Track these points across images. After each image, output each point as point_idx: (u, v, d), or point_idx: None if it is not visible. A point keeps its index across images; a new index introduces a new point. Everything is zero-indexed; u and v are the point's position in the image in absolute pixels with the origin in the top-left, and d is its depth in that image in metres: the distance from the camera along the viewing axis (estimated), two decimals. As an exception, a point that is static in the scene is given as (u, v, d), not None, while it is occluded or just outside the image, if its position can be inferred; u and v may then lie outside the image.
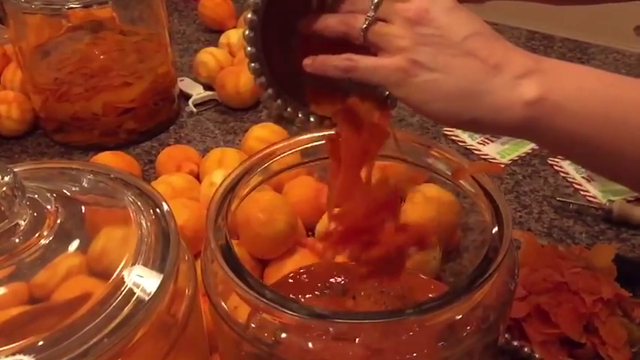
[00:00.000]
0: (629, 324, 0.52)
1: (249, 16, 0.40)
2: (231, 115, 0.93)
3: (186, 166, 0.75)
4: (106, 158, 0.75)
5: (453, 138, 0.85)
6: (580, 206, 0.73)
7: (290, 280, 0.56)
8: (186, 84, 0.97)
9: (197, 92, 0.95)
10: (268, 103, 0.45)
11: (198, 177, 0.75)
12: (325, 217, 0.65)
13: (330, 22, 0.45)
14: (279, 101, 0.45)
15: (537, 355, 0.51)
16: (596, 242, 0.69)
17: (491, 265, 0.38)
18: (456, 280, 0.56)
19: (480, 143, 0.83)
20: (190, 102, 0.94)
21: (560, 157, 0.77)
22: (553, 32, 1.15)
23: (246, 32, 0.41)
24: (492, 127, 0.42)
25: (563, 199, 0.73)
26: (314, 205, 0.66)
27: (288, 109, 0.46)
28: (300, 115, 0.48)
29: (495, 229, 0.40)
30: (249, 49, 0.41)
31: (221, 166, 0.72)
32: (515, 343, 0.52)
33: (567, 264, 0.55)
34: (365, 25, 0.43)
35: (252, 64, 0.43)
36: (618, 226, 0.70)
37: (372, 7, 0.43)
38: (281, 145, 0.49)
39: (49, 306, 0.38)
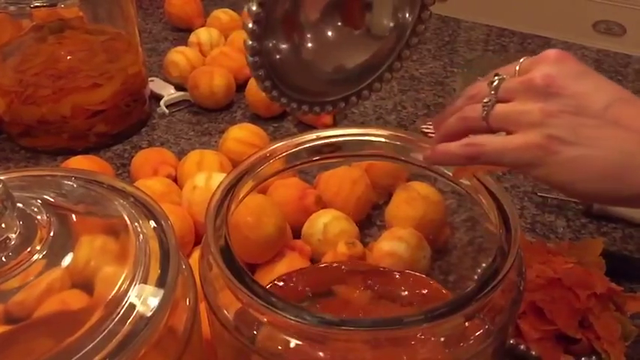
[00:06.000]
0: (622, 318, 0.53)
1: (254, 9, 0.38)
2: (205, 115, 0.90)
3: (163, 169, 0.73)
4: (79, 162, 0.72)
5: (432, 135, 0.85)
6: (560, 201, 0.73)
7: (279, 284, 0.55)
8: (156, 84, 0.95)
9: (168, 93, 0.93)
10: (271, 97, 0.44)
11: (175, 180, 0.73)
12: (311, 219, 0.64)
13: (449, 123, 0.42)
14: (274, 92, 0.44)
15: (534, 353, 0.51)
16: (579, 237, 0.69)
17: (503, 268, 0.37)
18: (457, 282, 0.55)
19: (459, 140, 0.83)
20: (162, 103, 0.91)
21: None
22: (515, 29, 1.16)
23: (250, 26, 0.39)
24: None
25: (544, 195, 0.74)
26: (299, 206, 0.65)
27: (282, 99, 0.45)
28: (292, 104, 0.47)
29: (503, 231, 0.40)
30: (250, 42, 0.40)
31: (201, 169, 0.70)
32: (511, 342, 0.52)
33: (559, 260, 0.56)
34: (485, 112, 0.39)
35: (252, 58, 0.41)
36: (599, 219, 0.71)
37: (491, 90, 0.39)
38: (279, 145, 0.48)
39: (41, 325, 0.35)
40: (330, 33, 0.45)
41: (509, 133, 0.38)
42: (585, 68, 0.38)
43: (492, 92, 0.39)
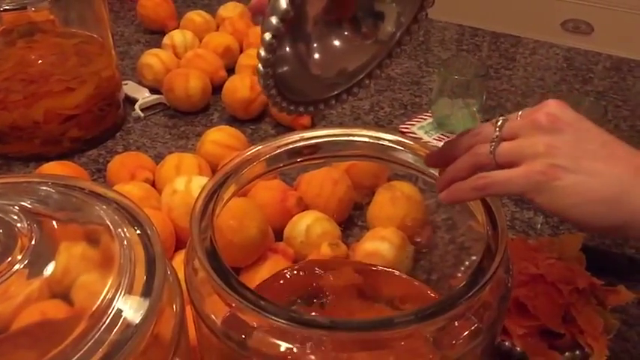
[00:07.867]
0: (603, 312, 0.53)
1: (275, 23, 0.37)
2: (181, 118, 0.89)
3: (140, 173, 0.72)
4: (53, 168, 0.70)
5: (411, 135, 0.85)
6: (538, 198, 0.74)
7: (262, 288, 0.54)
8: (130, 88, 0.93)
9: (143, 96, 0.91)
10: (274, 103, 0.43)
11: (153, 184, 0.72)
12: (293, 221, 0.64)
13: (461, 159, 0.45)
14: (277, 98, 0.44)
15: (519, 349, 0.52)
16: (557, 232, 0.70)
17: (491, 266, 0.37)
18: (439, 280, 0.56)
19: (437, 140, 0.84)
20: (137, 106, 0.89)
21: None
22: (486, 28, 1.17)
23: (268, 39, 0.38)
24: None
25: (522, 192, 0.74)
26: (281, 209, 0.64)
27: (283, 104, 0.44)
28: (291, 107, 0.47)
29: (489, 229, 0.40)
30: (264, 54, 0.39)
31: (179, 173, 0.69)
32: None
33: (540, 255, 0.56)
34: (492, 148, 0.42)
35: (264, 70, 0.40)
36: (576, 215, 0.72)
37: (496, 129, 0.43)
38: (261, 147, 0.47)
39: (23, 336, 0.34)
40: (335, 41, 0.45)
41: (514, 167, 0.42)
42: (581, 115, 0.42)
43: (497, 130, 0.43)
